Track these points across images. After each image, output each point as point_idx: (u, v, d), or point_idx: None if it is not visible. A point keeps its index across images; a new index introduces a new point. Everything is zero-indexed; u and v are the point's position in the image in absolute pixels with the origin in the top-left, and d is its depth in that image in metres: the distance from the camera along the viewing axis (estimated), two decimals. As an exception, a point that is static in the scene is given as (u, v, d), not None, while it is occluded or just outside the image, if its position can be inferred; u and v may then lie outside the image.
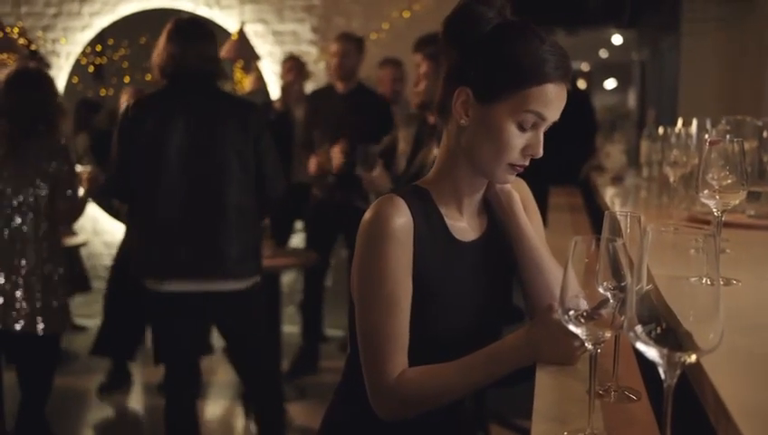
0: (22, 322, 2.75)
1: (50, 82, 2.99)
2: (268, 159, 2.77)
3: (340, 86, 4.34)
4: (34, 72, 2.97)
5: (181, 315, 2.79)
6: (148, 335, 4.56)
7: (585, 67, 11.61)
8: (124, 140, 2.72)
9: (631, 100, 10.42)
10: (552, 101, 1.22)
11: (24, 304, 2.76)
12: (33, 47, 5.07)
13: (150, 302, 2.80)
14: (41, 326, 2.78)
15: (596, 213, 3.12)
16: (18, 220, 2.78)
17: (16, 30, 4.77)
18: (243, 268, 2.76)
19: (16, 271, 2.77)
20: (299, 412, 3.68)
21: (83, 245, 5.07)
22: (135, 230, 2.81)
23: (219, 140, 2.69)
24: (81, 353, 4.75)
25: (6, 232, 2.77)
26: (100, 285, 5.47)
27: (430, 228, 1.29)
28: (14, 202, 2.77)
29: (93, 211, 5.41)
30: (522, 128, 1.23)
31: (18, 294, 2.75)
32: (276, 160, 2.84)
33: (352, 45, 4.30)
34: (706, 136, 1.39)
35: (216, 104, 2.75)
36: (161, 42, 2.73)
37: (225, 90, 2.82)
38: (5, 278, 2.75)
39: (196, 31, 2.75)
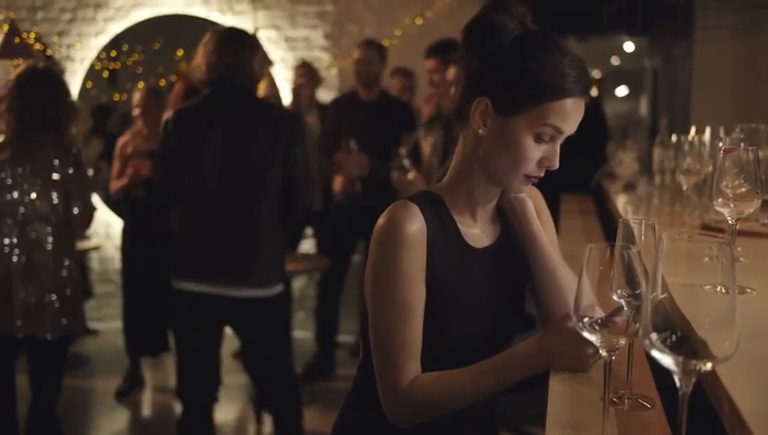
0: (49, 326, 2.78)
1: (58, 80, 2.96)
2: (299, 169, 2.80)
3: (363, 93, 4.34)
4: (42, 70, 2.94)
5: (202, 317, 2.82)
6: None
7: (597, 74, 11.58)
8: (163, 148, 2.82)
9: (643, 107, 10.37)
10: (570, 115, 1.22)
11: (44, 309, 2.78)
12: (48, 52, 5.12)
13: (174, 301, 2.85)
14: (60, 329, 2.81)
15: (608, 220, 3.12)
16: (33, 225, 2.79)
17: (33, 35, 4.81)
18: (268, 276, 2.80)
19: (34, 277, 2.78)
20: (310, 418, 3.67)
21: (96, 248, 5.10)
22: (174, 232, 2.89)
23: (252, 148, 2.73)
24: (93, 356, 4.78)
25: (22, 237, 2.78)
26: (110, 288, 5.51)
27: (444, 234, 1.29)
28: (29, 207, 2.79)
29: (106, 216, 5.44)
30: (539, 140, 1.24)
31: (36, 299, 2.77)
32: (308, 171, 2.88)
33: (374, 52, 4.30)
34: (720, 144, 1.38)
35: (251, 113, 2.79)
36: (200, 51, 2.78)
37: (260, 98, 2.84)
38: (27, 285, 2.77)
39: (233, 40, 2.79)
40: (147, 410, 4.26)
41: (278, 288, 2.86)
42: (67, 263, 2.86)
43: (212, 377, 3.03)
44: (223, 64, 2.72)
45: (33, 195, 2.79)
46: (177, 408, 3.04)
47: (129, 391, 4.20)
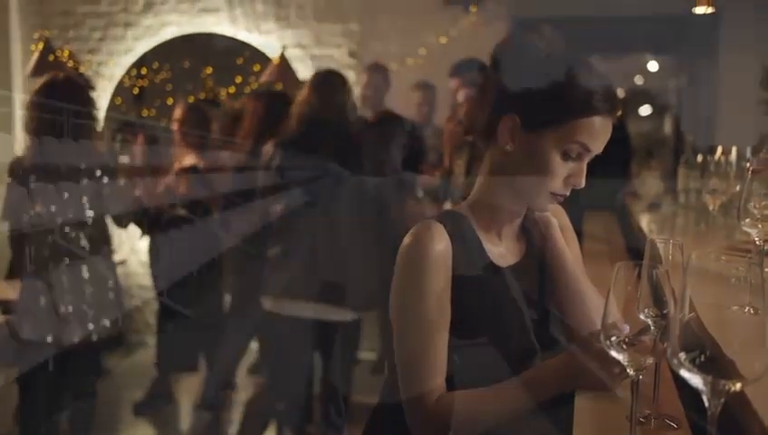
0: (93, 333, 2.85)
1: (78, 90, 2.96)
2: (388, 207, 2.95)
3: (367, 114, 4.41)
4: (62, 80, 2.94)
5: (295, 339, 3.00)
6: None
7: (620, 94, 11.53)
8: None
9: (667, 126, 10.30)
10: (598, 133, 1.24)
11: (86, 317, 2.84)
12: (81, 69, 5.21)
13: (268, 323, 3.05)
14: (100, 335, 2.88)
15: (631, 239, 3.10)
16: (71, 236, 2.84)
17: (66, 53, 4.91)
18: (358, 301, 2.96)
19: (72, 286, 2.83)
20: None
21: (121, 263, 5.15)
22: (271, 257, 3.06)
23: (339, 185, 2.89)
24: (114, 370, 4.82)
25: (61, 248, 2.83)
26: (134, 303, 5.56)
27: (468, 254, 1.30)
28: (66, 218, 2.83)
29: (131, 230, 5.49)
30: (566, 157, 1.25)
31: (78, 307, 2.83)
32: (397, 208, 3.02)
33: (380, 78, 4.47)
34: (747, 164, 1.38)
35: (343, 151, 2.95)
36: (306, 88, 3.02)
37: (354, 136, 3.12)
38: (69, 294, 2.82)
39: (334, 84, 3.01)
40: (168, 425, 4.27)
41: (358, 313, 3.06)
42: (105, 270, 2.91)
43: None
44: (318, 108, 2.93)
45: (69, 205, 2.83)
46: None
47: (152, 406, 4.21)
